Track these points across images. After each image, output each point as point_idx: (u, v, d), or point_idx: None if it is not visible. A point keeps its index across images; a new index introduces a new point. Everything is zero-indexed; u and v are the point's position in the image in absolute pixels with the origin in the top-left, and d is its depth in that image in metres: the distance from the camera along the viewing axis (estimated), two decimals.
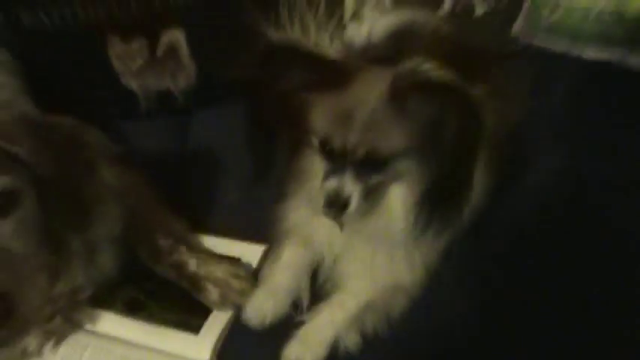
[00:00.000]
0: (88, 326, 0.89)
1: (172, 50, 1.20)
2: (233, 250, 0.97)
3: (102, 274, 0.91)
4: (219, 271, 0.91)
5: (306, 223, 0.91)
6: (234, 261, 0.94)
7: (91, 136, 0.89)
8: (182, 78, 1.22)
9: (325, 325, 0.85)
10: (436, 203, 0.77)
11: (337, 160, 0.77)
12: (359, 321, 0.85)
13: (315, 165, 0.83)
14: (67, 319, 0.87)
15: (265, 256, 0.96)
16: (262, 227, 0.98)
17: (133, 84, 1.21)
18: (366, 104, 0.74)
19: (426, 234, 0.79)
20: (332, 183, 0.77)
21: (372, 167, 0.77)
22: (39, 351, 0.84)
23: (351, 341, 0.84)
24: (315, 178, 0.82)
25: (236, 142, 1.18)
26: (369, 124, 0.74)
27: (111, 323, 0.89)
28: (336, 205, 0.77)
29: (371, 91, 0.75)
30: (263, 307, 0.87)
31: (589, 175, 1.00)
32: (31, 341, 0.83)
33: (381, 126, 0.74)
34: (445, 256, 0.88)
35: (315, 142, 0.80)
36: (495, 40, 1.17)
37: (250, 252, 0.97)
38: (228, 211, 1.06)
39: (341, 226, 0.85)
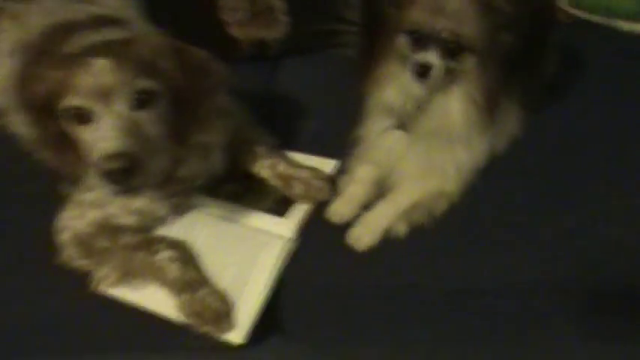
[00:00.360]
0: (202, 207, 1.17)
1: (270, 6, 1.46)
2: (311, 162, 1.23)
3: (212, 170, 1.18)
4: (303, 172, 1.18)
5: (375, 138, 1.17)
6: (313, 168, 1.20)
7: (217, 66, 1.09)
8: (276, 30, 1.48)
9: (381, 215, 1.10)
10: (488, 108, 1.02)
11: (424, 43, 1.02)
12: (408, 215, 1.10)
13: (394, 69, 1.08)
14: (185, 197, 1.15)
15: (337, 168, 1.21)
16: (334, 147, 1.24)
17: (236, 32, 1.49)
18: (455, 1, 1.00)
19: (477, 136, 1.04)
20: (420, 56, 1.02)
21: (449, 53, 1.01)
22: (165, 218, 1.13)
23: (400, 230, 1.10)
24: (390, 85, 1.08)
25: (316, 84, 1.46)
26: (457, 14, 0.99)
27: (218, 207, 1.17)
28: (421, 71, 1.01)
29: None
30: (341, 211, 1.13)
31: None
32: (161, 209, 1.12)
33: (465, 18, 0.99)
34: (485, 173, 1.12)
35: (404, 38, 1.04)
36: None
37: (325, 164, 1.23)
38: (307, 134, 1.32)
39: (407, 126, 1.10)
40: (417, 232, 1.10)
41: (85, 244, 1.08)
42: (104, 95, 0.91)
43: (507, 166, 1.16)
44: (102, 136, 0.90)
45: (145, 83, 0.93)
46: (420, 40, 1.03)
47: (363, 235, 1.09)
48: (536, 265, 1.04)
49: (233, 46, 1.48)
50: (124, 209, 1.09)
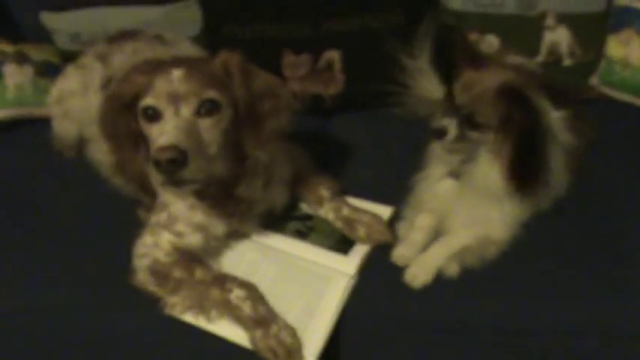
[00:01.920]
0: (269, 242, 1.25)
1: (329, 65, 1.59)
2: (368, 207, 1.32)
3: (272, 203, 1.26)
4: (365, 216, 1.27)
5: (431, 185, 1.28)
6: (373, 213, 1.29)
7: (283, 91, 1.19)
8: (333, 87, 1.61)
9: (435, 256, 1.19)
10: (515, 173, 1.14)
11: (453, 110, 1.17)
12: (460, 258, 1.19)
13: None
14: (243, 222, 1.23)
15: (394, 214, 1.31)
16: (386, 195, 1.34)
17: (295, 87, 1.61)
18: (482, 84, 1.15)
19: (513, 195, 1.16)
20: (442, 121, 1.17)
21: (469, 124, 1.16)
22: (224, 240, 1.21)
23: (453, 271, 1.19)
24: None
25: (368, 138, 1.57)
26: (478, 96, 1.15)
27: (284, 243, 1.25)
28: (437, 134, 1.17)
29: (491, 78, 1.16)
30: (405, 254, 1.21)
31: None
32: (219, 227, 1.19)
33: (483, 101, 1.14)
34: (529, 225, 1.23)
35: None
36: (577, 86, 1.53)
37: (381, 210, 1.32)
38: (360, 182, 1.42)
39: (457, 176, 1.22)
40: (470, 274, 1.19)
41: (161, 273, 1.16)
42: (175, 99, 1.03)
43: (553, 223, 1.26)
44: (163, 132, 1.00)
45: (211, 94, 1.04)
46: (450, 108, 1.19)
47: (419, 274, 1.17)
48: (583, 310, 1.12)
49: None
50: (188, 224, 1.18)
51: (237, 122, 1.09)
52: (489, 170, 1.17)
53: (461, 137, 1.17)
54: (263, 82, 1.13)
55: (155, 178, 1.00)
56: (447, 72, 1.23)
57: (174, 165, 0.97)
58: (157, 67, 1.08)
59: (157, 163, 0.97)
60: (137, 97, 1.06)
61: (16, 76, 1.59)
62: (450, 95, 1.21)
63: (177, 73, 1.04)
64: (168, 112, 1.03)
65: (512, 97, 1.12)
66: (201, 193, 1.15)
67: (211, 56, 1.16)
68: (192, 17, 1.67)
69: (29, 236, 1.30)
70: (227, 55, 1.11)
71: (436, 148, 1.26)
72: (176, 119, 1.02)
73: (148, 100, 1.04)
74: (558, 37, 1.55)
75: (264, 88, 1.12)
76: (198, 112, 1.04)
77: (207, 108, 1.04)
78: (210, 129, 1.05)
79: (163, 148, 0.97)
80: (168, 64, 1.08)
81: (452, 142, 1.17)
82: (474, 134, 1.16)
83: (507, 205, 1.20)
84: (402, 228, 1.27)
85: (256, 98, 1.10)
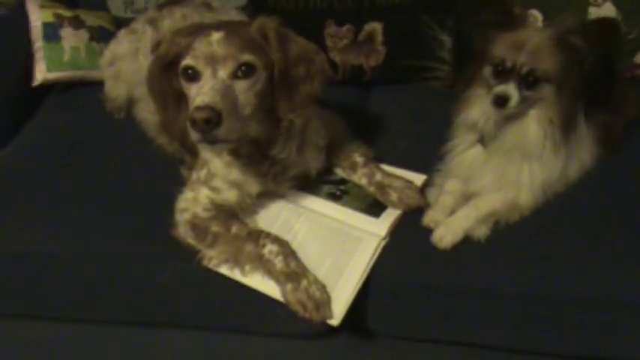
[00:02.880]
0: (303, 203, 1.29)
1: (370, 37, 1.62)
2: (403, 175, 1.35)
3: (307, 166, 1.30)
4: (397, 182, 1.30)
5: (459, 153, 1.30)
6: (406, 179, 1.32)
7: (318, 57, 1.19)
8: (373, 58, 1.63)
9: (462, 218, 1.22)
10: (563, 129, 1.16)
11: (505, 75, 1.17)
12: (486, 221, 1.22)
13: (480, 92, 1.23)
14: (277, 183, 1.27)
15: (426, 182, 1.34)
16: (421, 164, 1.37)
17: (337, 57, 1.64)
18: (534, 39, 1.16)
19: (550, 154, 1.18)
20: (500, 88, 1.17)
21: (527, 84, 1.16)
22: (256, 196, 1.25)
23: (482, 233, 1.21)
24: (474, 105, 1.23)
25: (405, 110, 1.59)
26: (534, 51, 1.15)
27: (318, 204, 1.30)
28: (500, 101, 1.16)
29: (539, 32, 1.18)
30: (436, 217, 1.24)
31: None
32: (253, 185, 1.23)
33: (542, 55, 1.15)
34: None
35: (488, 69, 1.20)
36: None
37: (415, 178, 1.34)
38: (397, 152, 1.45)
39: (486, 142, 1.24)
40: (497, 238, 1.21)
41: (200, 227, 1.22)
42: (213, 61, 1.07)
43: (585, 191, 1.26)
44: (200, 92, 1.04)
45: (247, 58, 1.08)
46: (502, 72, 1.18)
47: (446, 235, 1.20)
48: (609, 280, 1.13)
49: (332, 70, 1.62)
50: (224, 181, 1.23)
51: (272, 85, 1.13)
52: (532, 126, 1.19)
53: (522, 99, 1.17)
54: (298, 48, 1.16)
55: (191, 135, 1.04)
56: (467, 37, 1.23)
57: (208, 124, 1.01)
58: (198, 29, 1.12)
59: (193, 122, 1.01)
60: (179, 57, 1.11)
61: (72, 39, 1.67)
62: (464, 67, 1.22)
63: (216, 36, 1.08)
64: (206, 73, 1.07)
65: (582, 33, 1.13)
66: (236, 151, 1.20)
67: (249, 21, 1.20)
68: None
69: (80, 190, 1.39)
70: (264, 20, 1.14)
71: (464, 118, 1.27)
72: (213, 80, 1.06)
73: (187, 61, 1.08)
74: (604, 12, 1.53)
75: (300, 53, 1.15)
76: (235, 75, 1.08)
77: (244, 71, 1.08)
78: (245, 91, 1.08)
79: (199, 108, 1.01)
80: (208, 27, 1.12)
81: (514, 107, 1.17)
82: (531, 93, 1.17)
83: (538, 166, 1.21)
84: (432, 194, 1.30)
85: (291, 63, 1.13)
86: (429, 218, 1.24)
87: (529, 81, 1.16)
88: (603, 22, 1.23)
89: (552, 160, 1.21)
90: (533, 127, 1.19)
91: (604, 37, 1.14)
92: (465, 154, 1.30)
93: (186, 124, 1.04)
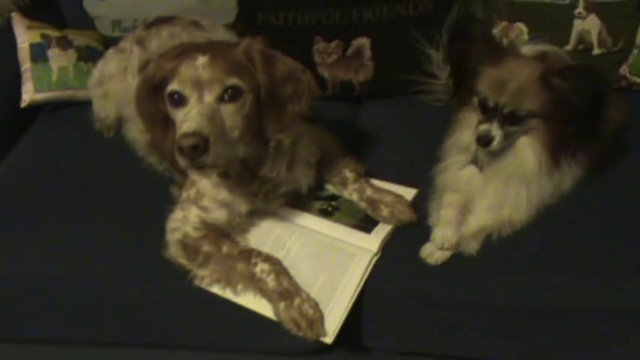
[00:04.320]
0: (294, 220, 1.29)
1: (359, 52, 1.63)
2: (393, 189, 1.35)
3: (297, 183, 1.29)
4: (388, 197, 1.30)
5: (454, 171, 1.31)
6: (397, 194, 1.32)
7: (305, 76, 1.17)
8: (362, 73, 1.64)
9: (453, 235, 1.21)
10: (556, 152, 1.17)
11: (489, 113, 1.18)
12: (477, 236, 1.22)
13: (469, 118, 1.24)
14: (267, 201, 1.26)
15: (417, 196, 1.34)
16: (412, 178, 1.37)
17: (325, 73, 1.65)
18: (517, 78, 1.16)
19: (547, 175, 1.19)
20: (484, 127, 1.18)
21: (511, 121, 1.17)
22: (245, 214, 1.24)
23: (471, 248, 1.21)
24: (467, 128, 1.24)
25: (395, 124, 1.60)
26: (517, 92, 1.15)
27: (310, 220, 1.30)
28: (484, 142, 1.17)
29: (522, 70, 1.16)
30: (448, 235, 1.20)
31: None
32: (242, 204, 1.23)
33: (526, 94, 1.15)
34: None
35: (476, 100, 1.21)
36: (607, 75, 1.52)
37: (406, 192, 1.34)
38: (387, 166, 1.44)
39: (481, 165, 1.25)
40: (489, 252, 1.21)
41: (191, 247, 1.22)
42: (199, 85, 1.06)
43: (576, 202, 1.27)
44: (187, 118, 1.04)
45: (233, 81, 1.07)
46: (486, 109, 1.19)
47: (435, 251, 1.20)
48: (603, 291, 1.14)
49: (322, 86, 1.63)
50: (213, 200, 1.23)
51: (259, 107, 1.13)
52: (527, 153, 1.20)
53: (505, 137, 1.18)
54: (285, 68, 1.16)
55: (179, 161, 1.04)
56: (458, 63, 1.24)
57: (196, 151, 1.01)
58: (184, 52, 1.11)
59: (180, 149, 1.01)
60: (165, 81, 1.10)
61: (60, 59, 1.67)
62: (458, 88, 1.23)
63: (201, 60, 1.07)
64: (192, 98, 1.06)
65: (565, 77, 1.13)
66: (225, 172, 1.20)
67: (234, 42, 1.20)
68: (227, 5, 1.72)
69: (71, 210, 1.38)
70: (249, 42, 1.14)
71: (457, 139, 1.28)
72: (200, 105, 1.05)
73: (173, 86, 1.08)
74: (589, 25, 1.54)
75: (286, 73, 1.15)
76: (222, 99, 1.07)
77: (230, 94, 1.08)
78: (232, 114, 1.08)
79: (186, 135, 1.01)
80: (194, 49, 1.11)
81: (498, 145, 1.18)
82: (515, 128, 1.18)
83: (535, 187, 1.22)
84: (430, 209, 1.29)
85: (278, 83, 1.13)
86: (442, 239, 1.20)
87: (513, 118, 1.17)
88: (584, 69, 1.22)
89: (547, 182, 1.22)
90: (529, 155, 1.21)
91: (587, 84, 1.14)
92: (458, 173, 1.30)
93: (174, 145, 1.04)
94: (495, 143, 1.18)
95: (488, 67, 1.19)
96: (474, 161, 1.29)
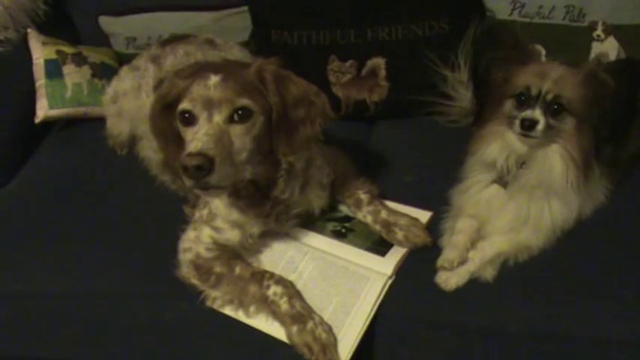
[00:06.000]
0: (307, 241, 1.28)
1: (373, 72, 1.62)
2: (407, 212, 1.33)
3: (310, 205, 1.28)
4: (403, 220, 1.28)
5: (476, 192, 1.28)
6: (411, 217, 1.31)
7: (318, 99, 1.15)
8: (377, 93, 1.63)
9: (468, 260, 1.20)
10: (584, 167, 1.17)
11: (529, 102, 1.17)
12: (493, 262, 1.20)
13: (499, 129, 1.23)
14: (279, 222, 1.25)
15: (432, 218, 1.32)
16: (426, 200, 1.35)
17: (340, 93, 1.64)
18: (557, 69, 1.19)
19: (572, 193, 1.18)
20: (527, 113, 1.16)
21: (552, 112, 1.16)
22: (258, 236, 1.24)
23: (487, 274, 1.19)
24: (493, 142, 1.23)
25: (409, 144, 1.59)
26: (560, 79, 1.16)
27: (323, 242, 1.28)
28: (528, 124, 1.15)
29: (559, 65, 1.21)
30: (451, 259, 1.20)
31: None
32: (254, 225, 1.22)
33: (567, 84, 1.16)
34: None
35: (510, 102, 1.21)
36: None
37: (420, 215, 1.33)
38: (401, 187, 1.43)
39: (506, 181, 1.24)
40: (505, 278, 1.19)
41: (203, 267, 1.21)
42: (209, 105, 1.05)
43: (594, 228, 1.25)
44: (194, 138, 1.03)
45: (244, 102, 1.06)
46: (526, 101, 1.18)
47: (451, 277, 1.18)
48: (618, 319, 1.11)
49: (336, 106, 1.62)
50: (226, 221, 1.22)
51: (270, 128, 1.11)
52: (556, 161, 1.19)
53: (548, 126, 1.16)
54: (298, 90, 1.14)
55: (184, 181, 1.03)
56: (484, 75, 1.24)
57: (200, 171, 0.99)
58: (198, 71, 1.10)
59: (185, 169, 0.99)
60: (178, 99, 1.09)
61: (75, 76, 1.68)
62: (483, 104, 1.23)
63: (213, 80, 1.06)
64: (202, 117, 1.05)
65: (612, 71, 1.16)
66: (236, 193, 1.18)
67: (247, 62, 1.19)
68: (242, 23, 1.73)
69: (83, 228, 1.38)
70: (262, 62, 1.13)
71: (482, 155, 1.26)
72: (208, 125, 1.04)
73: (184, 105, 1.07)
74: (607, 47, 1.54)
75: (299, 95, 1.13)
76: (231, 119, 1.06)
77: (240, 115, 1.06)
78: (241, 135, 1.06)
79: (191, 155, 1.00)
80: (208, 69, 1.10)
81: (542, 132, 1.16)
82: (555, 122, 1.17)
83: (560, 205, 1.21)
84: (443, 233, 1.28)
85: (290, 106, 1.12)
86: (443, 259, 1.20)
87: (554, 109, 1.16)
88: (631, 62, 1.25)
89: (573, 199, 1.21)
90: (558, 161, 1.19)
91: (631, 76, 1.15)
92: (480, 194, 1.28)
93: (179, 164, 1.02)
94: (539, 127, 1.15)
95: (519, 66, 1.21)
96: (499, 179, 1.26)
